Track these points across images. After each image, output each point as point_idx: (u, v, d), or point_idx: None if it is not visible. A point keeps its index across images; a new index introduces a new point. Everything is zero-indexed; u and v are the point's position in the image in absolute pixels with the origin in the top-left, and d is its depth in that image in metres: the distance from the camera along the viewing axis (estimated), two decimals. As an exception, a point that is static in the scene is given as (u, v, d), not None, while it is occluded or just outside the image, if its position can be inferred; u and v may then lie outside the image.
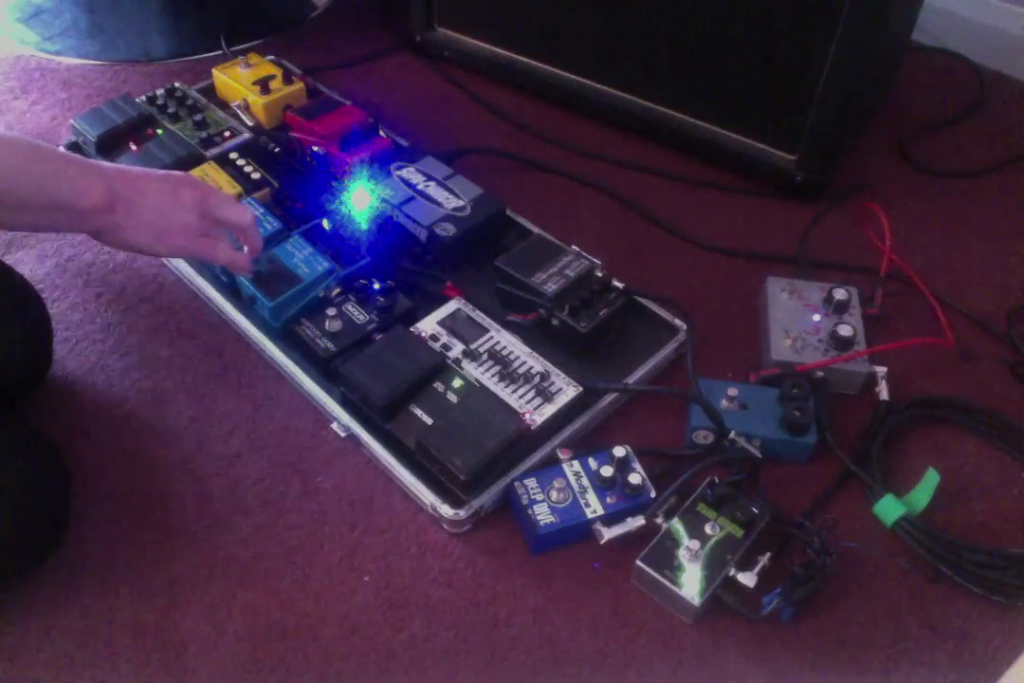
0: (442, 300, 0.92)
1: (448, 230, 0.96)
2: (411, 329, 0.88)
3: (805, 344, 0.91)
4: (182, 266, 0.97)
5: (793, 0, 0.98)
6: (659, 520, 0.77)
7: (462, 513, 0.77)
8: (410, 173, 1.02)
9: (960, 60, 1.38)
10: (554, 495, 0.78)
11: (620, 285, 0.92)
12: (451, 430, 0.79)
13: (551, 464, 0.81)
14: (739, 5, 1.02)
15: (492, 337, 0.89)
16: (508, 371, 0.85)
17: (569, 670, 0.72)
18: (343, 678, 0.71)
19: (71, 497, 0.79)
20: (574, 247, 0.95)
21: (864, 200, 1.09)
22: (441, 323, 0.89)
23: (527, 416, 0.82)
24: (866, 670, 0.73)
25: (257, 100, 1.10)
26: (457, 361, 0.86)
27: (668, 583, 0.73)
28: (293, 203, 1.01)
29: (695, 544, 0.74)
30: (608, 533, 0.76)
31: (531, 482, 0.79)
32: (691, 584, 0.73)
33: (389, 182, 1.01)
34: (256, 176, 1.02)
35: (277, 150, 1.06)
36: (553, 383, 0.85)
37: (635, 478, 0.78)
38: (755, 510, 0.77)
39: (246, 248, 0.85)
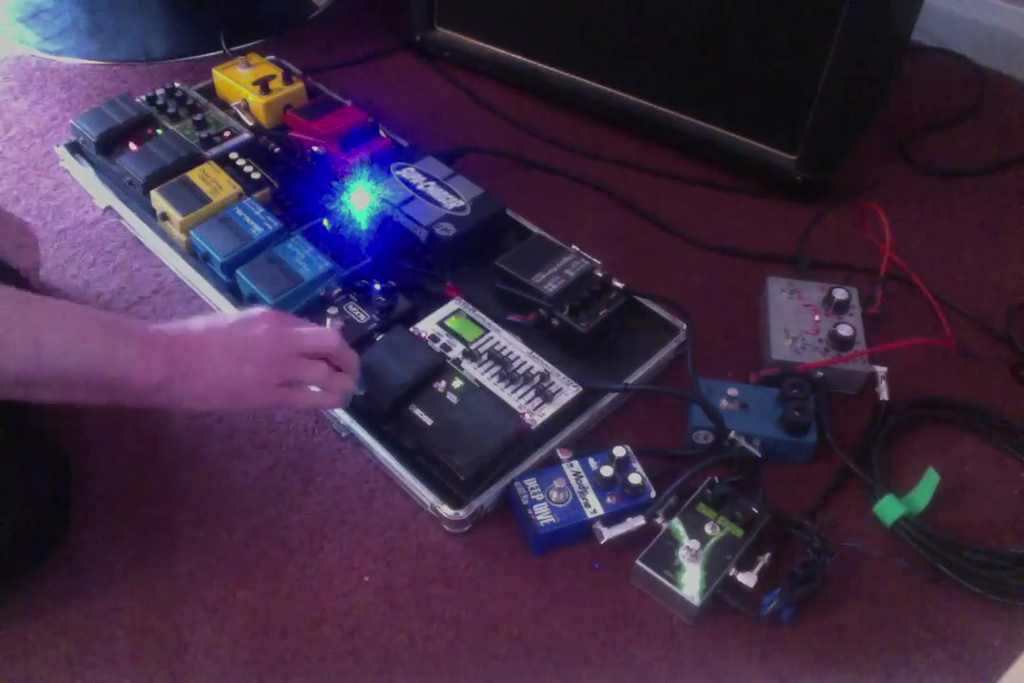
0: (442, 300, 0.92)
1: (448, 230, 0.96)
2: (411, 329, 0.88)
3: (805, 344, 0.91)
4: (181, 266, 0.97)
5: (793, 0, 0.98)
6: (659, 520, 0.77)
7: (462, 513, 0.77)
8: (410, 173, 1.02)
9: (960, 60, 1.38)
10: (554, 495, 0.78)
11: (620, 285, 0.92)
12: (451, 430, 0.79)
13: (551, 464, 0.81)
14: (739, 5, 1.02)
15: (492, 337, 0.88)
16: (508, 371, 0.85)
17: (569, 670, 0.72)
18: (343, 678, 0.72)
19: (72, 497, 0.79)
20: (574, 247, 0.95)
21: (864, 200, 1.09)
22: (441, 323, 0.89)
23: (527, 416, 0.82)
24: (866, 670, 0.73)
25: (257, 100, 1.10)
26: (457, 361, 0.86)
27: (668, 583, 0.73)
28: (293, 203, 1.01)
29: (695, 544, 0.74)
30: (608, 533, 0.76)
31: (531, 482, 0.79)
32: (691, 584, 0.73)
33: (389, 182, 1.01)
34: (256, 176, 1.02)
35: (277, 150, 1.06)
36: (553, 383, 0.85)
37: (635, 478, 0.78)
38: (755, 510, 0.77)
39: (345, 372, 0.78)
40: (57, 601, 0.75)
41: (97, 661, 0.72)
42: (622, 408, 0.89)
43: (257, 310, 0.74)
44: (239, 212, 0.95)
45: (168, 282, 1.00)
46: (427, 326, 0.89)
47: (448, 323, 0.89)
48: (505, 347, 0.88)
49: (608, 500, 0.78)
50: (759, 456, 0.82)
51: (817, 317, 0.93)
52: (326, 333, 0.77)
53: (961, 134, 1.26)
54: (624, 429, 0.88)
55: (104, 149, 1.04)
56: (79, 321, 0.64)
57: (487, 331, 0.89)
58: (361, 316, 0.89)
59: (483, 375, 0.85)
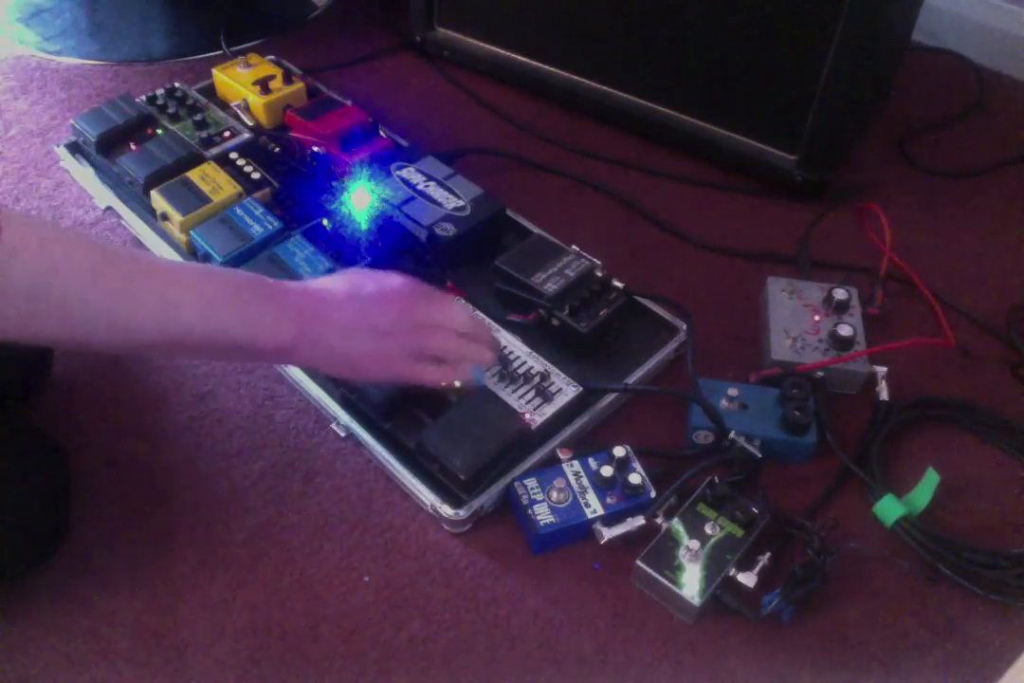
0: (442, 300, 0.92)
1: (448, 230, 0.96)
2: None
3: (805, 344, 0.91)
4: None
5: (793, 0, 0.98)
6: (659, 520, 0.77)
7: (462, 513, 0.77)
8: (410, 173, 1.02)
9: (960, 60, 1.38)
10: (554, 495, 0.78)
11: (620, 285, 0.92)
12: (451, 430, 0.79)
13: (551, 464, 0.81)
14: (739, 5, 1.02)
15: (492, 337, 0.89)
16: (508, 371, 0.85)
17: (569, 670, 0.72)
18: (343, 678, 0.72)
19: (72, 497, 0.79)
20: (574, 247, 0.95)
21: (864, 200, 1.09)
22: (441, 323, 0.89)
23: (527, 416, 0.82)
24: (866, 670, 0.73)
25: (257, 100, 1.10)
26: (457, 361, 0.86)
27: (668, 583, 0.73)
28: (293, 203, 1.01)
29: (695, 544, 0.74)
30: (608, 533, 0.76)
31: (531, 482, 0.79)
32: (691, 584, 0.73)
33: (389, 182, 1.01)
34: (256, 176, 1.02)
35: (277, 150, 1.06)
36: (553, 383, 0.85)
37: (635, 478, 0.79)
38: (755, 510, 0.77)
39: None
40: (57, 601, 0.75)
41: (97, 661, 0.72)
42: (622, 408, 0.89)
43: (396, 280, 0.75)
44: (239, 212, 0.95)
45: (168, 282, 1.00)
46: (427, 326, 0.89)
47: None
48: (505, 347, 0.88)
49: (608, 500, 0.78)
50: (759, 456, 0.82)
51: (817, 317, 0.93)
52: (455, 308, 0.78)
53: (961, 134, 1.26)
54: (624, 429, 0.88)
55: (104, 149, 1.04)
56: (213, 286, 0.64)
57: (487, 331, 0.89)
58: (361, 316, 0.89)
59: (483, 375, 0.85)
